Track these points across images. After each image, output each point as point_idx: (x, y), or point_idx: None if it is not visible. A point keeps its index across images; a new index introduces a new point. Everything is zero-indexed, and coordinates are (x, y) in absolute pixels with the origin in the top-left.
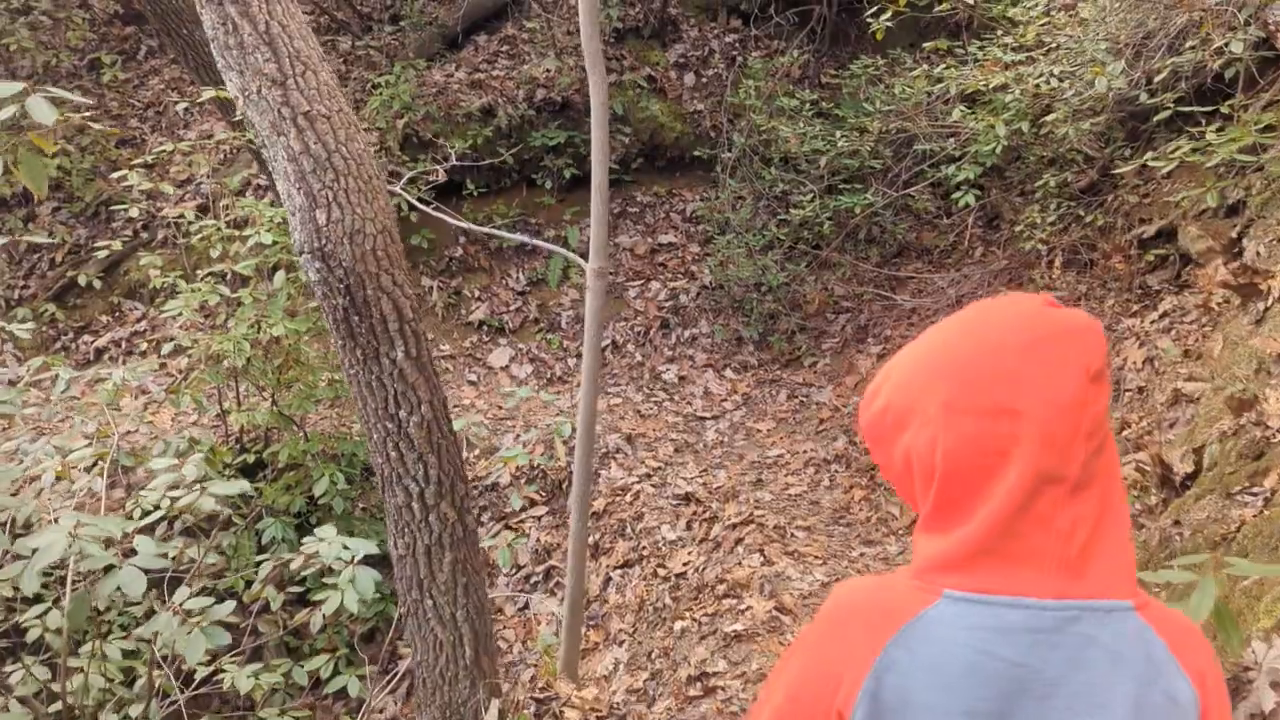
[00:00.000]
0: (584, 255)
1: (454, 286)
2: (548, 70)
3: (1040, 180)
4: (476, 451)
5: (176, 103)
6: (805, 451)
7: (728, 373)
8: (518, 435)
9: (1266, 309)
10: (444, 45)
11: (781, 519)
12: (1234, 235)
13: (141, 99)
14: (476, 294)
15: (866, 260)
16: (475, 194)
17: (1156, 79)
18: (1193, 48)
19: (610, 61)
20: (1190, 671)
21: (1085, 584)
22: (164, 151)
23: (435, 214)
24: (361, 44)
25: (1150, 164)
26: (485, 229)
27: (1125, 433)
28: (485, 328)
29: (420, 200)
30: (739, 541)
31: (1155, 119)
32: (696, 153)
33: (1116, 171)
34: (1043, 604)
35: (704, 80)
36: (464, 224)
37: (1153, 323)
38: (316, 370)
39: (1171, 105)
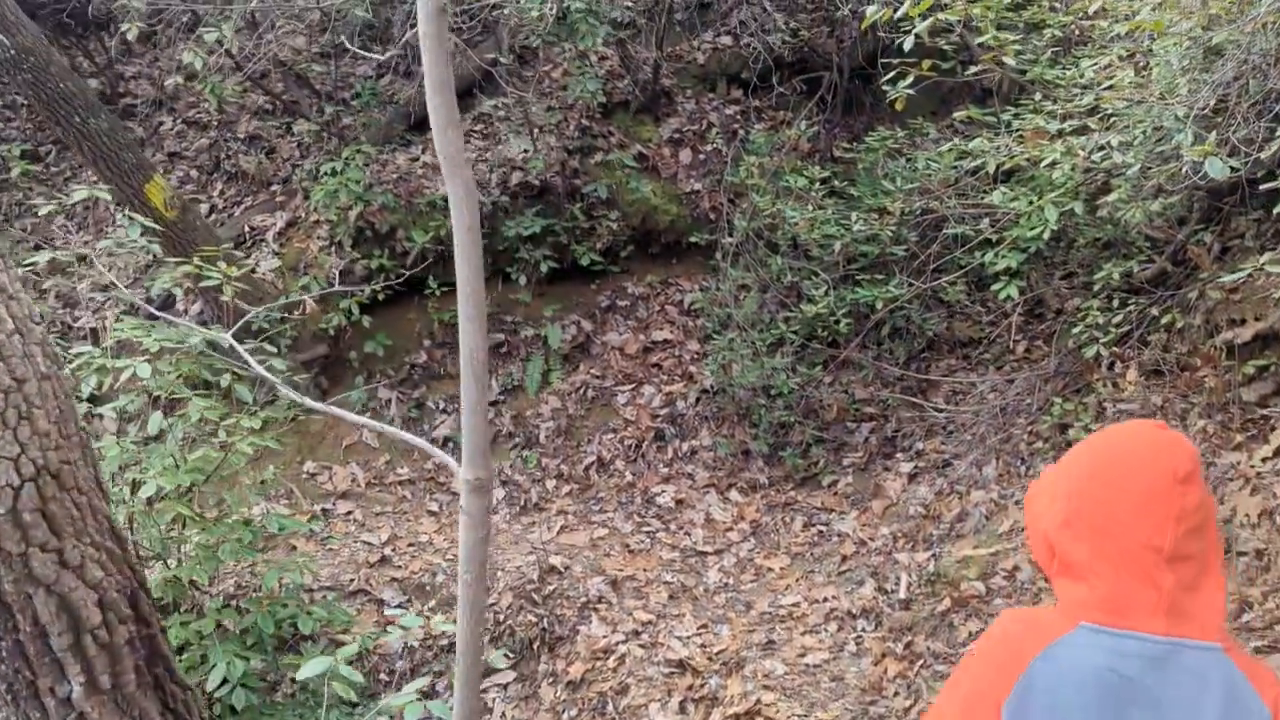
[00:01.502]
0: (565, 357)
1: (415, 398)
2: (524, 151)
3: (1101, 271)
4: (432, 603)
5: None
6: (826, 600)
7: (733, 494)
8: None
9: None
10: (408, 126)
11: (796, 707)
12: None
13: (69, 193)
14: (441, 405)
15: (891, 360)
16: (438, 292)
17: (1261, 154)
18: None
19: (596, 139)
20: (1266, 698)
21: (1186, 627)
22: (55, 256)
23: (332, 411)
24: (311, 128)
25: (1269, 266)
26: (371, 423)
27: (1247, 617)
28: (451, 445)
29: (364, 303)
30: None
31: (1237, 194)
32: (694, 238)
33: (1192, 261)
34: (1154, 638)
35: (701, 157)
36: (353, 418)
37: (1265, 460)
38: (235, 508)
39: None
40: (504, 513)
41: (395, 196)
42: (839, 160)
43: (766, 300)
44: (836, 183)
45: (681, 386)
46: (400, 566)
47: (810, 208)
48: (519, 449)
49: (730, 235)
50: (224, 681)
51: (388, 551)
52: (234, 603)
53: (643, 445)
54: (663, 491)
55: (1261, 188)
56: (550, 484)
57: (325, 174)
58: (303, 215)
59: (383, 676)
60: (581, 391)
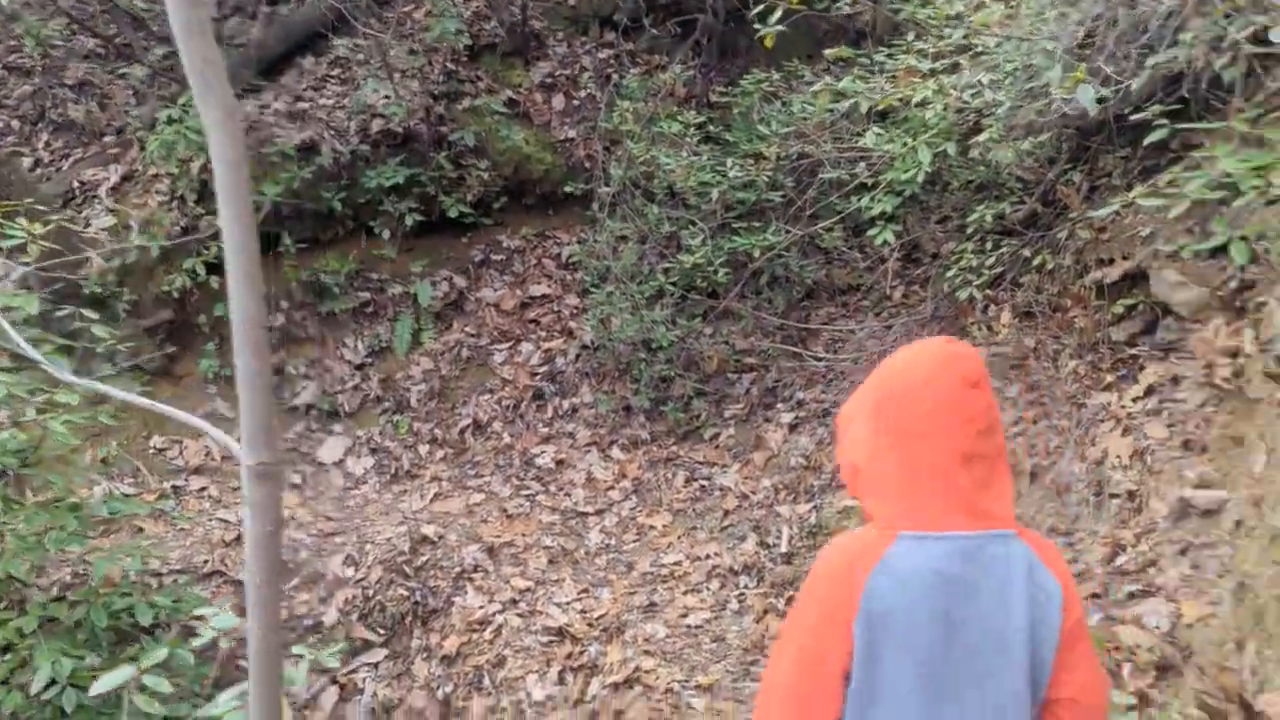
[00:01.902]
0: (437, 315)
1: (274, 363)
2: (385, 97)
3: (974, 214)
4: (295, 581)
5: None
6: (708, 557)
7: (615, 451)
8: (347, 557)
9: None
10: (255, 71)
11: (676, 672)
12: (1233, 285)
13: None
14: (303, 370)
15: (771, 309)
16: (294, 249)
17: (1131, 84)
18: (1177, 43)
19: (463, 84)
20: (1054, 571)
21: (985, 522)
22: None
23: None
24: (147, 73)
25: (1139, 200)
26: (141, 400)
27: (1121, 560)
28: (315, 412)
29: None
30: (620, 715)
31: (1104, 133)
32: (569, 188)
33: (1063, 199)
34: (964, 535)
35: (575, 103)
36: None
37: (1136, 400)
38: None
39: (1160, 116)
40: (373, 482)
41: (245, 146)
42: (715, 105)
43: (646, 251)
44: (712, 128)
45: (561, 343)
46: None
47: (686, 154)
48: (389, 414)
49: (606, 185)
50: (52, 682)
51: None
52: (67, 595)
53: (521, 405)
54: (542, 452)
55: (1131, 118)
56: (423, 449)
57: (162, 123)
58: (140, 168)
59: (241, 662)
60: (455, 351)
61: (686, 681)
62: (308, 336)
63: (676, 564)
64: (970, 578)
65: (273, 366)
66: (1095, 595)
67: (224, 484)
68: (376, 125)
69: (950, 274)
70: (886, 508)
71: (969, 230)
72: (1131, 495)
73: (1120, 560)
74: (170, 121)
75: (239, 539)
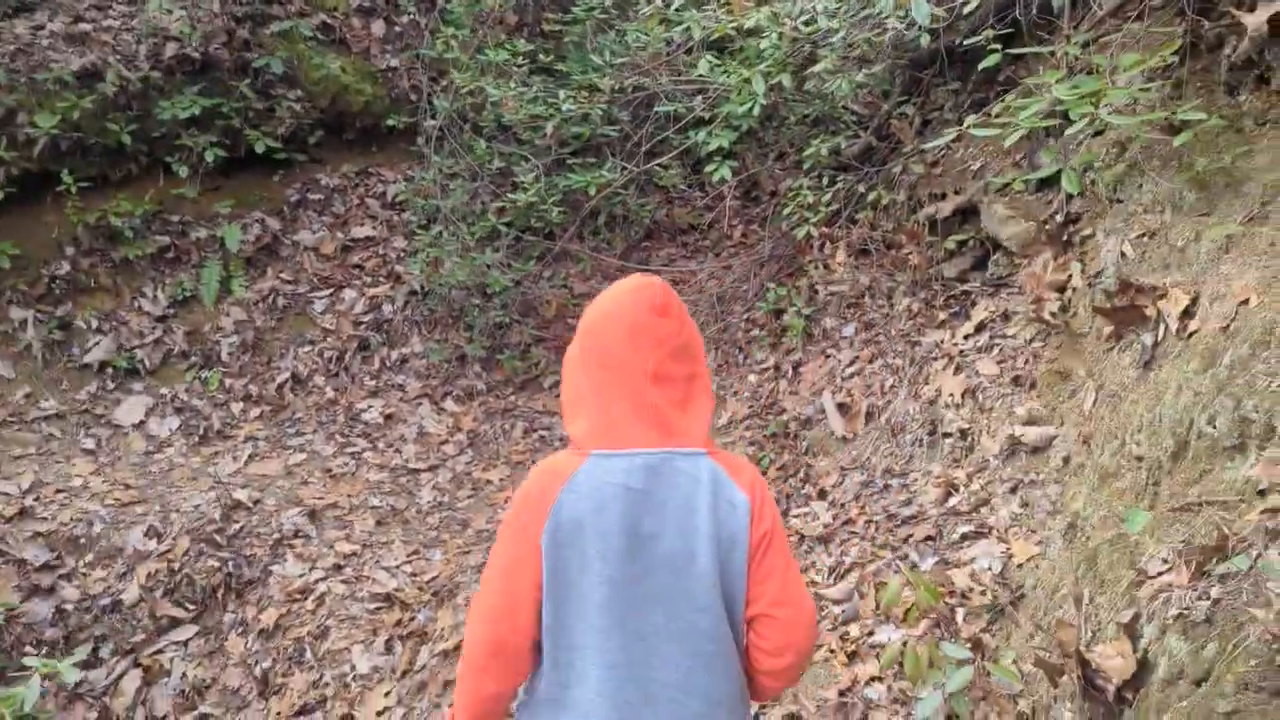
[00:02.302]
0: (248, 261)
1: (60, 316)
2: (179, 18)
3: (809, 148)
4: (89, 557)
5: None
6: None
7: (448, 404)
8: (149, 528)
9: (1158, 344)
10: None
11: None
12: (1060, 219)
13: None
14: (95, 324)
15: (610, 250)
16: (75, 189)
17: (966, 5)
18: None
19: (271, 5)
20: (742, 486)
21: (676, 440)
22: None
23: None
24: None
25: (973, 130)
26: None
27: (954, 501)
28: (110, 370)
29: None
30: (449, 685)
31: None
32: (393, 121)
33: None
34: (651, 451)
35: (397, 29)
36: None
37: (967, 337)
38: None
39: (992, 42)
40: (179, 444)
41: (12, 72)
42: (546, 34)
43: (477, 190)
44: (544, 58)
45: (388, 289)
46: (46, 518)
47: (515, 85)
48: (196, 369)
49: (432, 118)
50: None
51: (30, 501)
52: None
53: (345, 357)
54: (369, 407)
55: (964, 45)
56: (237, 407)
57: None
58: None
59: (29, 649)
60: (270, 300)
61: None
62: (99, 286)
63: None
64: (655, 492)
65: (59, 320)
66: (929, 538)
67: (4, 452)
68: (170, 49)
69: (787, 211)
70: (581, 429)
71: (805, 166)
72: (964, 434)
73: (953, 501)
74: None
75: (22, 512)
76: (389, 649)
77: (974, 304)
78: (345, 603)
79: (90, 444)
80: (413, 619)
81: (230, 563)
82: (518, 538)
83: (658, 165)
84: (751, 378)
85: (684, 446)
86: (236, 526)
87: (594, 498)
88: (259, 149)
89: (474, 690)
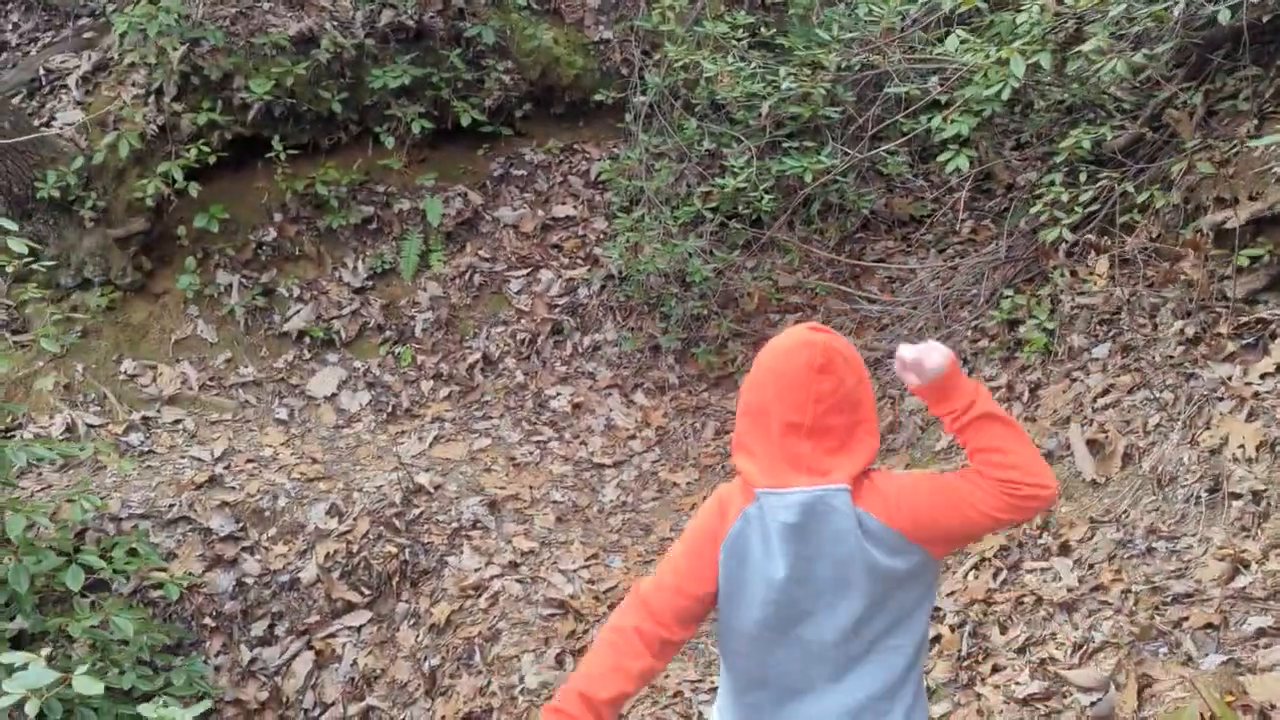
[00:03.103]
0: (448, 236)
1: (264, 283)
2: None
3: (1068, 139)
4: (272, 531)
5: None
6: None
7: (639, 396)
8: (331, 506)
9: None
10: None
11: (690, 670)
12: None
13: None
14: (296, 292)
15: (821, 242)
16: (284, 155)
17: None
18: None
19: None
20: (875, 512)
21: (826, 479)
22: None
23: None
24: None
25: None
26: None
27: (1244, 581)
28: (308, 340)
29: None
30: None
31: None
32: (600, 96)
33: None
34: (803, 490)
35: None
36: None
37: (1265, 377)
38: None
39: None
40: (368, 420)
41: (231, 35)
42: (769, 7)
43: (684, 171)
44: (764, 31)
45: (584, 271)
46: (235, 487)
47: (733, 60)
48: (390, 344)
49: (642, 93)
50: None
51: (220, 469)
52: None
53: (537, 340)
54: (558, 394)
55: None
56: (426, 385)
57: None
58: (115, 56)
59: (208, 621)
60: (467, 276)
61: (699, 683)
62: (303, 254)
63: None
64: (809, 525)
65: (262, 286)
66: (1211, 626)
67: (201, 416)
68: (386, 16)
69: (1035, 209)
70: (748, 467)
71: (1058, 159)
72: (1257, 497)
73: (1242, 581)
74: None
75: (211, 480)
76: (560, 663)
77: (1274, 336)
78: (519, 605)
79: (283, 414)
80: (587, 632)
81: (407, 549)
82: (698, 549)
83: (884, 152)
84: None
85: (833, 484)
86: (416, 512)
87: (759, 529)
88: (464, 121)
89: (614, 654)
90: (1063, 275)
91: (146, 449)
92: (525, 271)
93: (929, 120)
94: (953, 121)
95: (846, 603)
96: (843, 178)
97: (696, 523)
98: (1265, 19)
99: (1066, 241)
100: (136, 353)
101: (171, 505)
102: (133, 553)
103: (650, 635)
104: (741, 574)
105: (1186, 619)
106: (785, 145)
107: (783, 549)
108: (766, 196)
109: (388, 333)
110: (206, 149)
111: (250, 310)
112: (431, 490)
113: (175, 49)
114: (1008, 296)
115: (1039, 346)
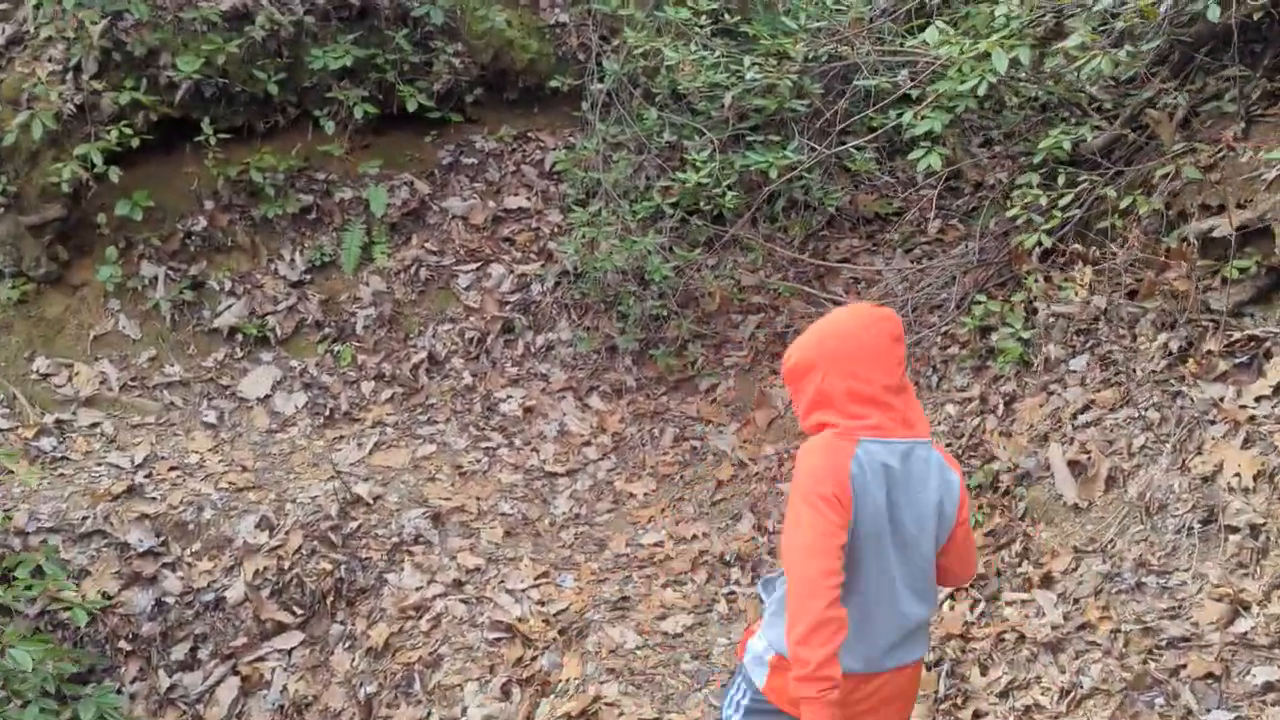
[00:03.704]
0: (393, 227)
1: (193, 275)
2: None
3: (1045, 138)
4: (196, 546)
5: None
6: (695, 539)
7: (594, 400)
8: (261, 518)
9: None
10: None
11: (646, 705)
12: None
13: None
14: (228, 286)
15: (785, 240)
16: (214, 139)
17: None
18: None
19: None
20: (955, 470)
21: (915, 432)
22: None
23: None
24: None
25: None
26: None
27: (1244, 626)
28: (240, 337)
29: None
30: None
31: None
32: (555, 83)
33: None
34: (901, 440)
35: None
36: None
37: (1261, 399)
38: None
39: None
40: (304, 424)
41: (158, 9)
42: None
43: (643, 164)
44: (728, 18)
45: (538, 267)
46: (156, 498)
47: (695, 48)
48: (329, 342)
49: (600, 80)
50: None
51: (140, 478)
52: None
53: (487, 339)
54: (509, 397)
55: (1259, 17)
56: (367, 387)
57: None
58: (31, 30)
59: (124, 645)
60: (412, 270)
61: (660, 718)
62: (235, 245)
63: (657, 545)
64: (903, 470)
65: (191, 279)
66: (1211, 676)
67: (121, 419)
68: None
69: (1011, 213)
70: (844, 420)
71: (1036, 159)
72: (1255, 531)
73: (1243, 625)
74: None
75: (130, 490)
76: (506, 694)
77: (1269, 355)
78: (463, 628)
79: (212, 417)
80: (535, 659)
81: (343, 566)
82: (830, 505)
83: (852, 147)
84: (950, 408)
85: (921, 438)
86: (354, 525)
87: (871, 472)
88: (410, 106)
89: (824, 614)
90: (1037, 281)
91: (60, 455)
92: (475, 266)
93: (899, 115)
94: (924, 118)
95: (925, 536)
96: (808, 174)
97: (813, 475)
98: (1257, 17)
99: (1042, 246)
100: (51, 350)
101: (85, 518)
102: (39, 571)
103: (838, 584)
104: (858, 511)
105: (1184, 667)
106: (749, 139)
107: (884, 489)
108: (729, 192)
109: (326, 330)
110: (129, 131)
111: (177, 305)
112: (370, 501)
113: (95, 23)
114: (980, 302)
115: (1014, 356)
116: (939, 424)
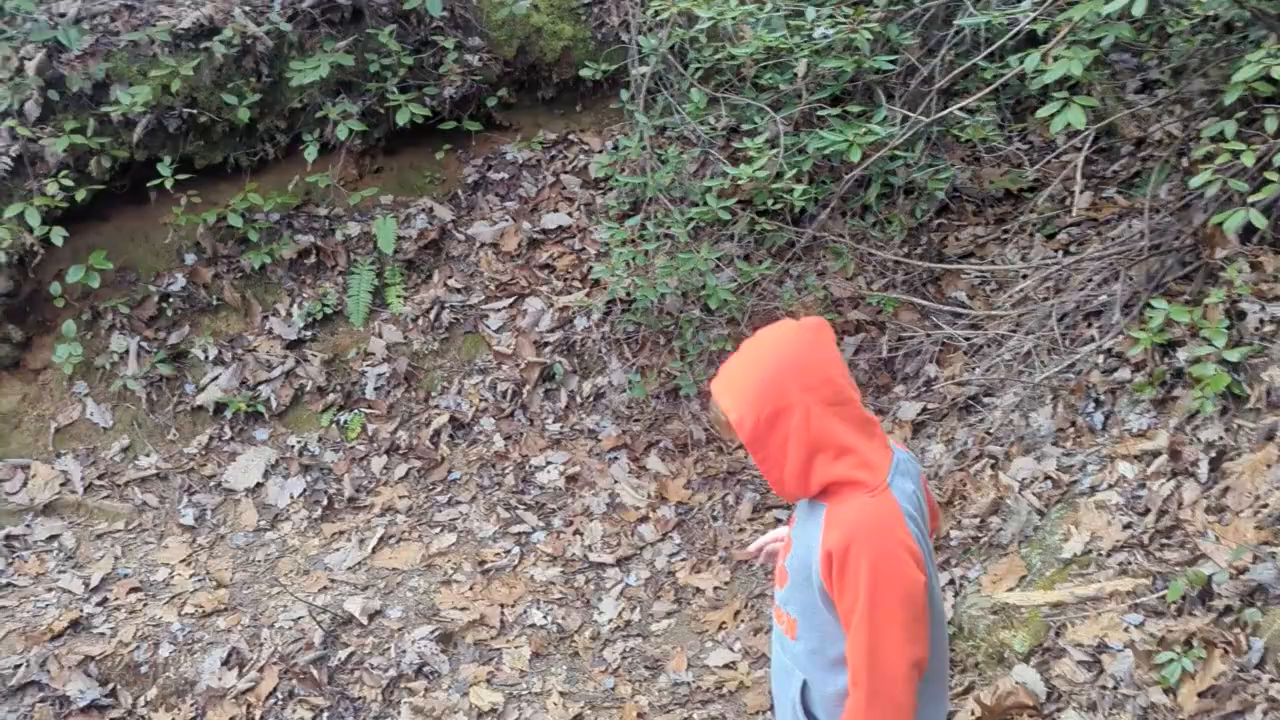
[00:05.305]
0: (409, 264)
1: (171, 345)
2: None
3: (1240, 67)
4: (151, 693)
5: None
6: None
7: (652, 460)
8: (230, 652)
9: None
10: None
11: None
12: None
13: None
14: (214, 353)
15: (882, 238)
16: (171, 182)
17: None
18: None
19: None
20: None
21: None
22: None
23: None
24: None
25: None
26: None
27: None
28: (228, 414)
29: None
30: None
31: None
32: (588, 70)
33: None
34: (897, 450)
35: None
36: None
37: None
38: None
39: None
40: (298, 518)
41: (109, 34)
42: None
43: (705, 158)
44: None
45: (582, 296)
46: (105, 633)
47: (751, 3)
48: (334, 410)
49: (641, 61)
50: None
51: (92, 606)
52: None
53: (523, 391)
54: (548, 464)
55: None
56: (378, 464)
57: None
58: None
59: None
60: (433, 315)
61: None
62: (222, 303)
63: (727, 668)
64: (908, 481)
65: (169, 350)
66: None
67: (85, 527)
68: None
69: (1199, 179)
70: (860, 467)
71: (1227, 99)
72: None
73: None
74: None
75: (76, 625)
76: None
77: None
78: None
79: (190, 517)
80: None
81: (326, 713)
82: (915, 569)
83: (960, 110)
84: (1124, 467)
85: (901, 449)
86: (344, 654)
87: (910, 514)
88: (402, 119)
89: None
90: (1241, 273)
91: (4, 582)
92: (507, 302)
93: (1022, 60)
94: (1057, 59)
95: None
96: (906, 151)
97: (899, 548)
98: None
99: (1248, 223)
100: (6, 449)
101: (17, 666)
102: None
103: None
104: (930, 566)
105: None
106: (822, 114)
107: (915, 505)
108: (798, 186)
109: (331, 396)
110: (70, 182)
111: (153, 382)
112: (365, 621)
113: (32, 56)
114: (1157, 307)
115: (1217, 387)
116: (1110, 496)
